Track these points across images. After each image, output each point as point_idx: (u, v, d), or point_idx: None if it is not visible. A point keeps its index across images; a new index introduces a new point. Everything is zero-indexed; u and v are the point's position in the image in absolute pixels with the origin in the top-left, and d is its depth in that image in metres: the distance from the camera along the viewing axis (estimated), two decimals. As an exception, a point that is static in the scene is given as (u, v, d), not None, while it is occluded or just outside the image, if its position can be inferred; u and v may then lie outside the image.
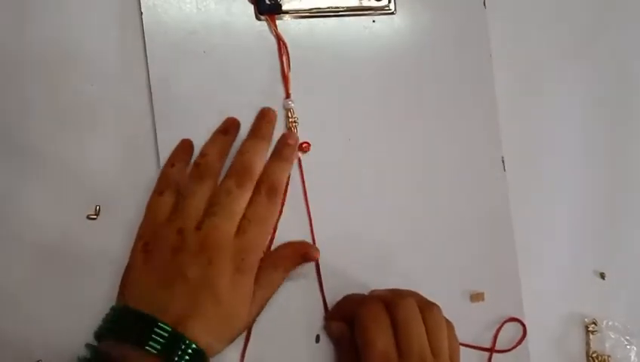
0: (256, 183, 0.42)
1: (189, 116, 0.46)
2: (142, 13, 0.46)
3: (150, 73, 0.46)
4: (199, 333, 0.37)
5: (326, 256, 0.46)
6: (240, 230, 0.41)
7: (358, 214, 0.48)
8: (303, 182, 0.47)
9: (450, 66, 0.51)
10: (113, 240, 0.44)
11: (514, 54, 0.53)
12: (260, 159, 0.43)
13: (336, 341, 0.45)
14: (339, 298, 0.46)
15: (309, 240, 0.47)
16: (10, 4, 0.44)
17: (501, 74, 0.51)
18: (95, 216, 0.45)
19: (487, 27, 0.52)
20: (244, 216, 0.41)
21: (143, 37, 0.46)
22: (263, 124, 0.44)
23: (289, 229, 0.46)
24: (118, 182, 0.45)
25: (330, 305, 0.46)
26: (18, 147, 0.44)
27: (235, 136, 0.44)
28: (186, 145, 0.44)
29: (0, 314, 0.43)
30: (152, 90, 0.46)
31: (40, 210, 0.44)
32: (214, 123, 0.46)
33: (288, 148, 0.45)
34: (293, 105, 0.47)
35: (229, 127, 0.44)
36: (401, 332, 0.40)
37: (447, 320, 0.43)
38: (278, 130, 0.47)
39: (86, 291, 0.43)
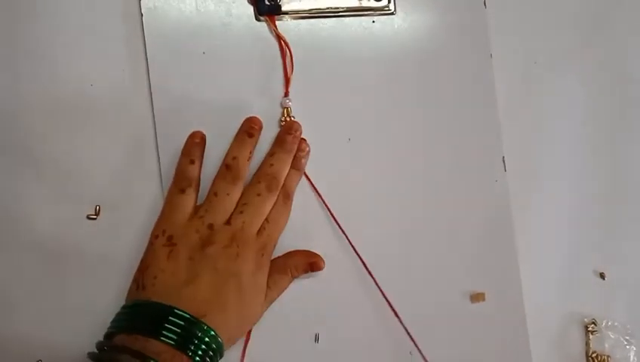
0: None
1: (189, 116, 0.46)
2: (142, 14, 0.46)
3: (150, 74, 0.46)
4: (221, 324, 0.39)
5: (329, 254, 0.47)
6: (260, 229, 0.44)
7: (358, 214, 0.48)
8: (308, 178, 0.48)
9: (450, 66, 0.51)
10: (113, 240, 0.44)
11: (514, 54, 0.53)
12: (286, 170, 0.46)
13: None
14: (335, 298, 0.47)
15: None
16: (9, 4, 0.45)
17: (501, 74, 0.51)
18: (95, 216, 0.45)
19: (487, 27, 0.51)
20: (265, 218, 0.44)
21: (144, 38, 0.46)
22: (290, 138, 0.46)
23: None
24: (118, 182, 0.45)
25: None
26: (18, 147, 0.44)
27: (259, 137, 0.46)
28: (199, 139, 0.44)
29: (0, 314, 0.43)
30: (152, 90, 0.46)
31: (40, 210, 0.44)
32: (214, 123, 0.46)
33: (303, 157, 0.47)
34: (290, 103, 0.47)
35: (254, 130, 0.45)
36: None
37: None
38: (274, 129, 0.47)
39: (86, 291, 0.44)
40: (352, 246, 0.47)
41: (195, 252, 0.41)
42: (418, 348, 0.46)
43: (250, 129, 0.45)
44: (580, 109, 0.54)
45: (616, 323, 0.52)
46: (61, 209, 0.44)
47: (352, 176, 0.48)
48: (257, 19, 0.48)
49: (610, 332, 0.51)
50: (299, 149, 0.47)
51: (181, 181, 0.43)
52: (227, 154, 0.44)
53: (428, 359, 0.46)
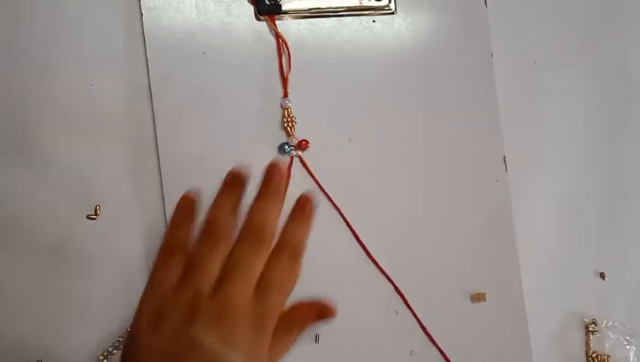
0: (278, 245, 0.39)
1: (189, 116, 0.46)
2: (142, 14, 0.46)
3: (150, 73, 0.46)
4: None
5: (329, 254, 0.46)
6: (260, 293, 0.37)
7: (358, 214, 0.48)
8: (313, 175, 0.48)
9: (451, 66, 0.51)
10: (113, 240, 0.44)
11: (515, 54, 0.53)
12: (274, 217, 0.39)
13: None
14: (335, 299, 0.46)
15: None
16: (9, 4, 0.44)
17: (502, 73, 0.51)
18: (95, 216, 0.45)
19: (488, 27, 0.51)
20: (262, 278, 0.37)
21: (144, 38, 0.46)
22: (272, 182, 0.39)
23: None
24: (118, 182, 0.45)
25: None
26: (18, 147, 0.44)
27: (245, 188, 0.39)
28: (189, 203, 0.39)
29: (0, 314, 0.43)
30: (152, 90, 0.46)
31: (40, 210, 0.44)
32: (214, 123, 0.46)
33: (309, 209, 0.40)
34: (290, 104, 0.47)
35: (237, 181, 0.39)
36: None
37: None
38: (274, 129, 0.47)
39: (86, 291, 0.44)
40: (363, 245, 0.47)
41: (179, 330, 0.35)
42: (433, 340, 0.46)
43: (233, 179, 0.39)
44: (580, 109, 0.54)
45: (616, 323, 0.52)
46: (61, 209, 0.44)
47: (352, 176, 0.48)
48: (257, 19, 0.48)
49: (610, 332, 0.51)
50: (301, 202, 0.40)
51: (165, 249, 0.38)
52: (208, 211, 0.38)
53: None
